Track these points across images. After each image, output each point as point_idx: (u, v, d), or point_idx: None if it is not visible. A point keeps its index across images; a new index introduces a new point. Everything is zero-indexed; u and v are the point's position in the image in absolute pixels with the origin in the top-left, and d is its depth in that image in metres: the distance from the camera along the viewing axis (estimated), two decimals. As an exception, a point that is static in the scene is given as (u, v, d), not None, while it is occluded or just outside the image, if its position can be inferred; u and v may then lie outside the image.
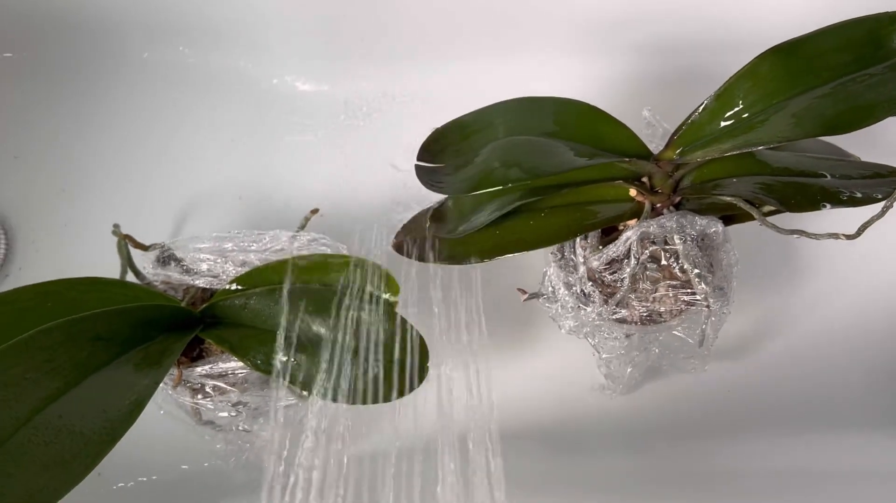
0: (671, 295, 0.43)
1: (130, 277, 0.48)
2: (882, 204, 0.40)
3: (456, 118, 0.45)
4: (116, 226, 0.49)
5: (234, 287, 0.44)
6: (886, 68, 0.37)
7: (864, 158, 0.46)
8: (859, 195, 0.41)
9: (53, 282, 0.41)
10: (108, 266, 0.47)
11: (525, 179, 0.38)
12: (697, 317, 0.45)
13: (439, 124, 0.45)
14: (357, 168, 0.59)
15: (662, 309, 0.44)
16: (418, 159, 0.44)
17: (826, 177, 0.42)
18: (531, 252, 0.43)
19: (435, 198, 0.47)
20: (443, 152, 0.43)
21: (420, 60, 0.62)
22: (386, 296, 0.43)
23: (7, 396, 0.33)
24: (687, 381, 0.51)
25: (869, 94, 0.36)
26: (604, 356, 0.46)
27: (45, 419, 0.34)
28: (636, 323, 0.44)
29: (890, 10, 0.38)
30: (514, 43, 0.60)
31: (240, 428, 0.47)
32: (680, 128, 0.41)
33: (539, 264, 0.57)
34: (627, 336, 0.45)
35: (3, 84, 0.62)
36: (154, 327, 0.41)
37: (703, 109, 0.40)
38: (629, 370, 0.48)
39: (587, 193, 0.43)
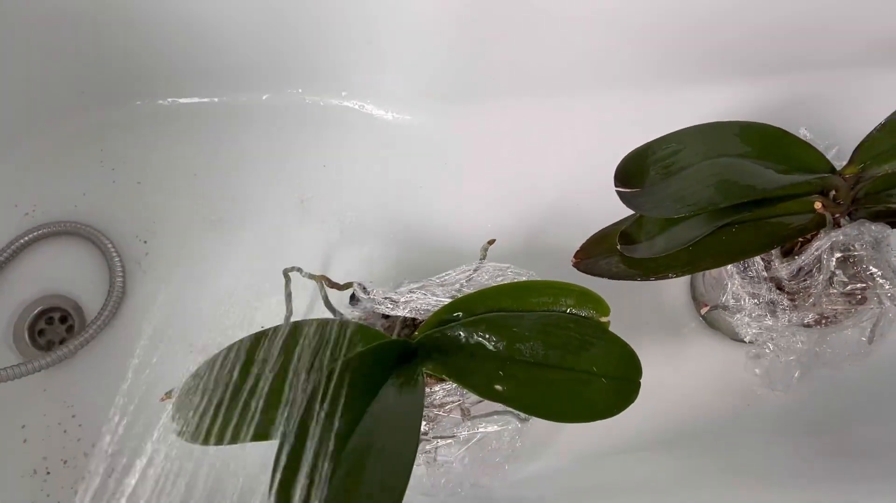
0: (856, 297, 0.47)
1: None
2: None
3: (640, 146, 0.48)
4: (298, 268, 0.50)
5: (444, 317, 0.45)
6: None
7: None
8: None
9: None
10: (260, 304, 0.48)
11: (740, 198, 0.42)
12: (864, 315, 0.48)
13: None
14: (507, 196, 0.61)
15: (842, 310, 0.47)
16: (616, 185, 0.46)
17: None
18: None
19: (595, 218, 0.50)
20: (639, 176, 0.46)
21: (541, 95, 0.64)
22: (596, 315, 0.45)
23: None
24: (839, 376, 0.55)
25: None
26: (782, 359, 0.50)
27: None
28: (819, 325, 0.47)
29: None
30: (659, 71, 0.63)
31: (451, 458, 0.48)
32: (861, 145, 0.45)
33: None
34: (806, 338, 0.49)
35: (158, 128, 0.63)
36: (389, 361, 0.42)
37: (883, 128, 0.44)
38: (797, 373, 0.51)
39: (776, 208, 0.46)
